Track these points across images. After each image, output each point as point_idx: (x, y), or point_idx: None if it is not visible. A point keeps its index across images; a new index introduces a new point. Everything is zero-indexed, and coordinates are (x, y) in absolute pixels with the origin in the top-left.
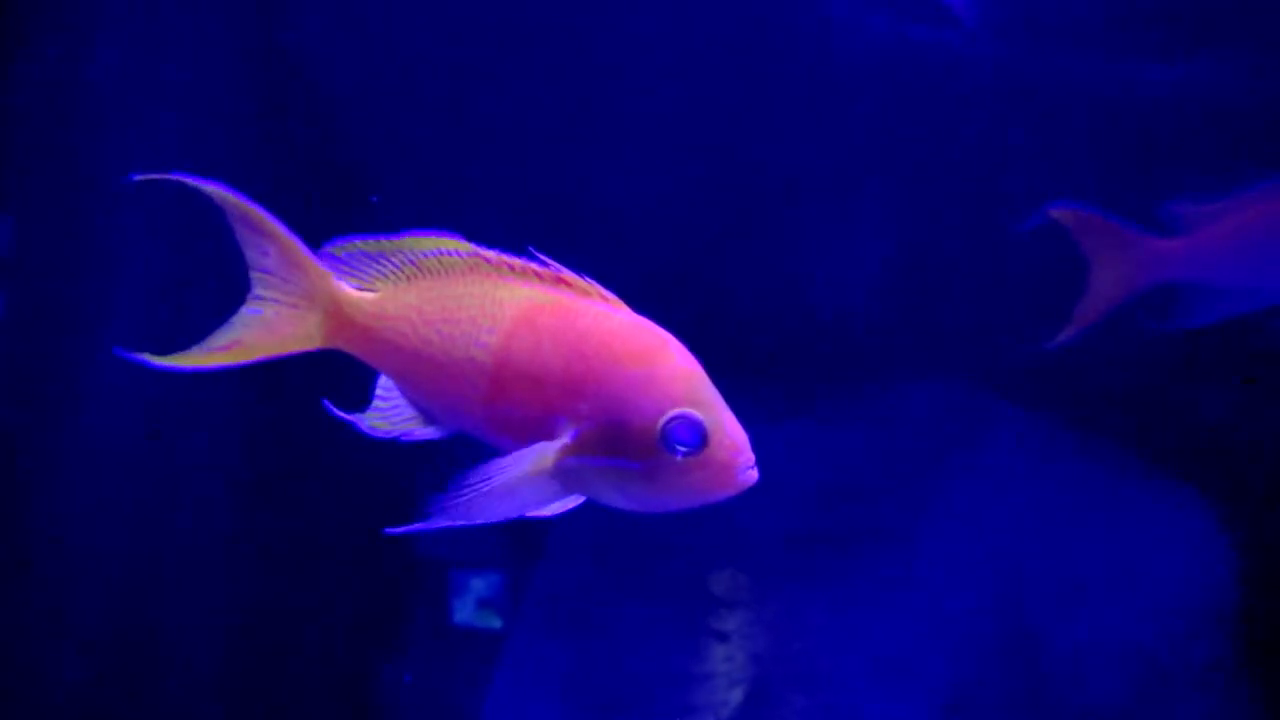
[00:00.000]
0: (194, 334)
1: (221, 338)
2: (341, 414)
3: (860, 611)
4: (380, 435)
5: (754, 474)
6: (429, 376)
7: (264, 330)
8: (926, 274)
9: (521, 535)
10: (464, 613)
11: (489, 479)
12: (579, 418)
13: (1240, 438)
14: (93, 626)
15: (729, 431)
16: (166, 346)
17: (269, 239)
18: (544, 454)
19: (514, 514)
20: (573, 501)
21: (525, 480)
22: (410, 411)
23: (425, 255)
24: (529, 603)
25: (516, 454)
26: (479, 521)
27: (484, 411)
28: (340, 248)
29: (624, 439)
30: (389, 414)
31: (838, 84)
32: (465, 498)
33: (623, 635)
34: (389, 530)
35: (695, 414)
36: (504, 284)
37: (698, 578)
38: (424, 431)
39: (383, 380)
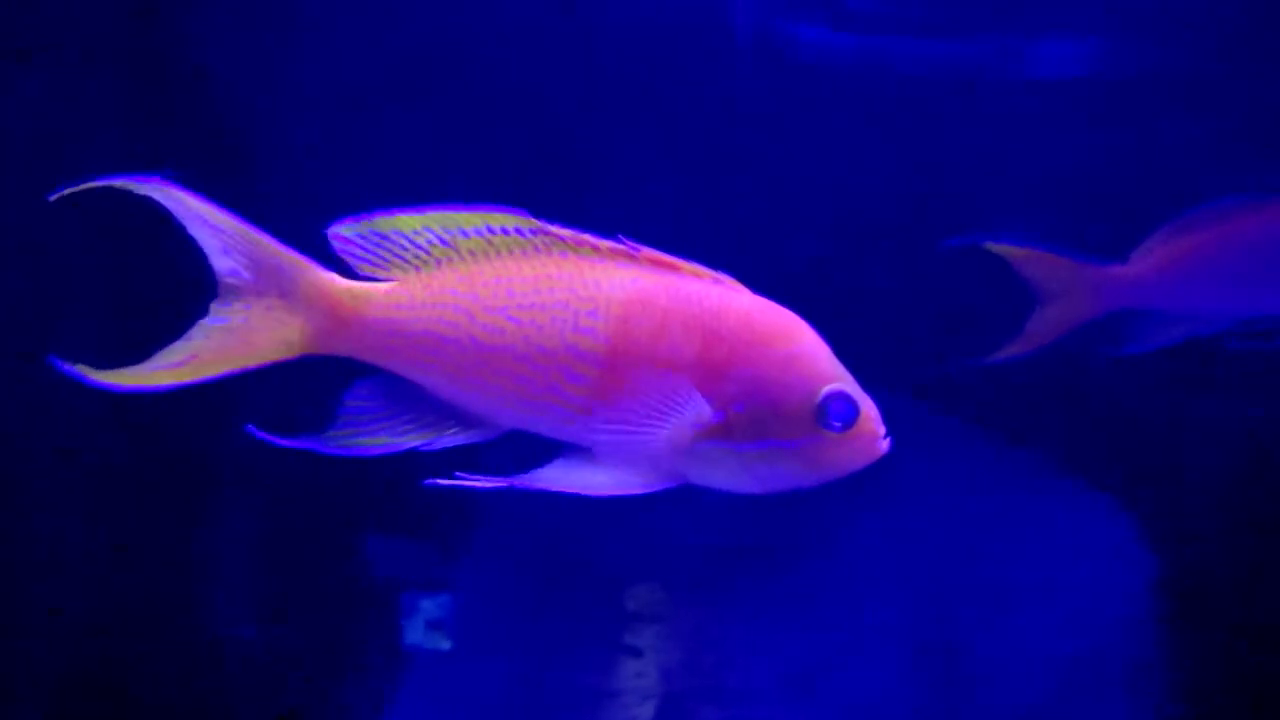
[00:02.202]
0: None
1: (178, 351)
2: (290, 442)
3: (775, 624)
4: (375, 451)
5: (888, 442)
6: (495, 371)
7: (233, 339)
8: (845, 283)
9: (472, 556)
10: (414, 634)
11: (644, 428)
12: (722, 402)
13: (1158, 447)
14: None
15: (868, 403)
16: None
17: (230, 236)
18: (699, 417)
19: (609, 491)
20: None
21: (665, 450)
22: (420, 417)
23: (466, 234)
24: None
25: (669, 410)
26: (571, 490)
27: (588, 404)
28: (349, 227)
29: (777, 419)
30: (388, 426)
31: (743, 96)
32: (608, 441)
33: (533, 653)
34: (428, 482)
35: (847, 389)
36: (594, 265)
37: (614, 592)
38: (460, 437)
39: (366, 387)
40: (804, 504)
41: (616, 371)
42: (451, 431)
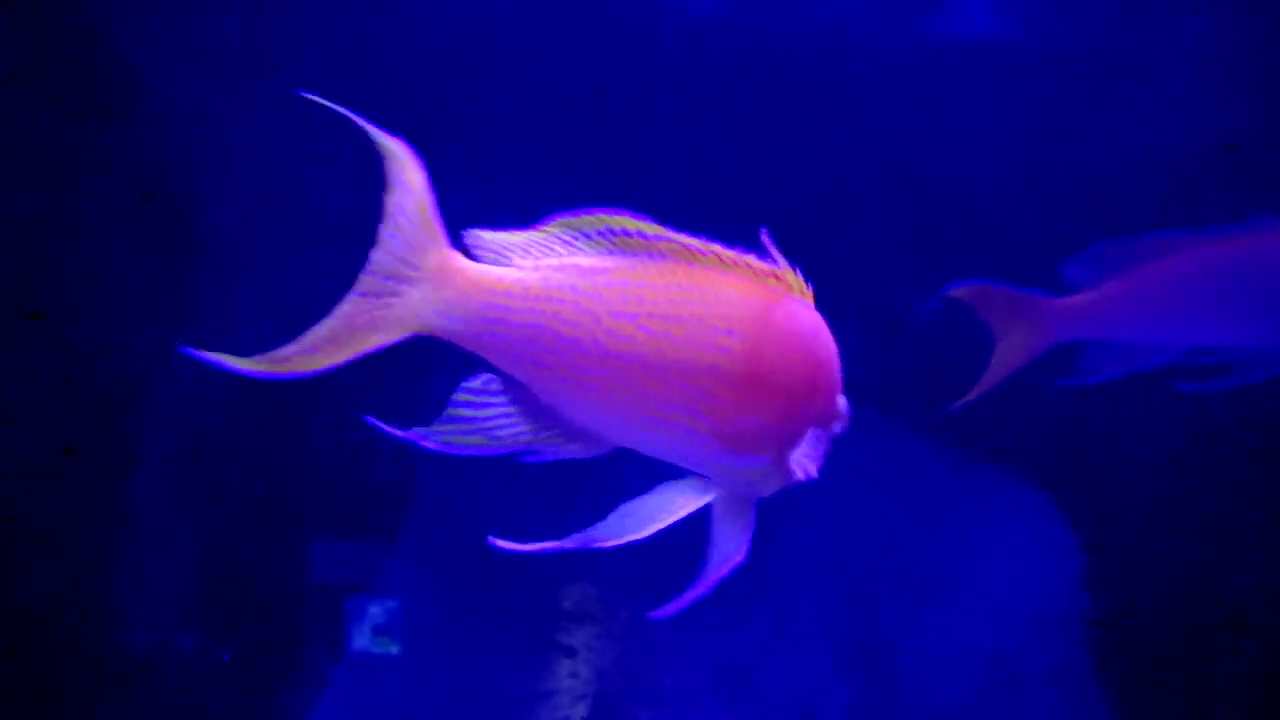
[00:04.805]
0: None
1: (324, 328)
2: (393, 430)
3: (708, 624)
4: (471, 451)
5: None
6: (619, 380)
7: (364, 311)
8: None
9: (412, 558)
10: (361, 639)
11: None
12: (826, 425)
13: (1088, 448)
14: None
15: None
16: None
17: (404, 191)
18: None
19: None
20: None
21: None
22: (524, 423)
23: (589, 236)
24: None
25: (809, 453)
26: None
27: (717, 426)
28: (477, 238)
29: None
30: (489, 428)
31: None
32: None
33: (469, 654)
34: (491, 541)
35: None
36: (723, 278)
37: (549, 592)
38: (562, 450)
39: (476, 382)
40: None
41: (748, 394)
42: (554, 443)
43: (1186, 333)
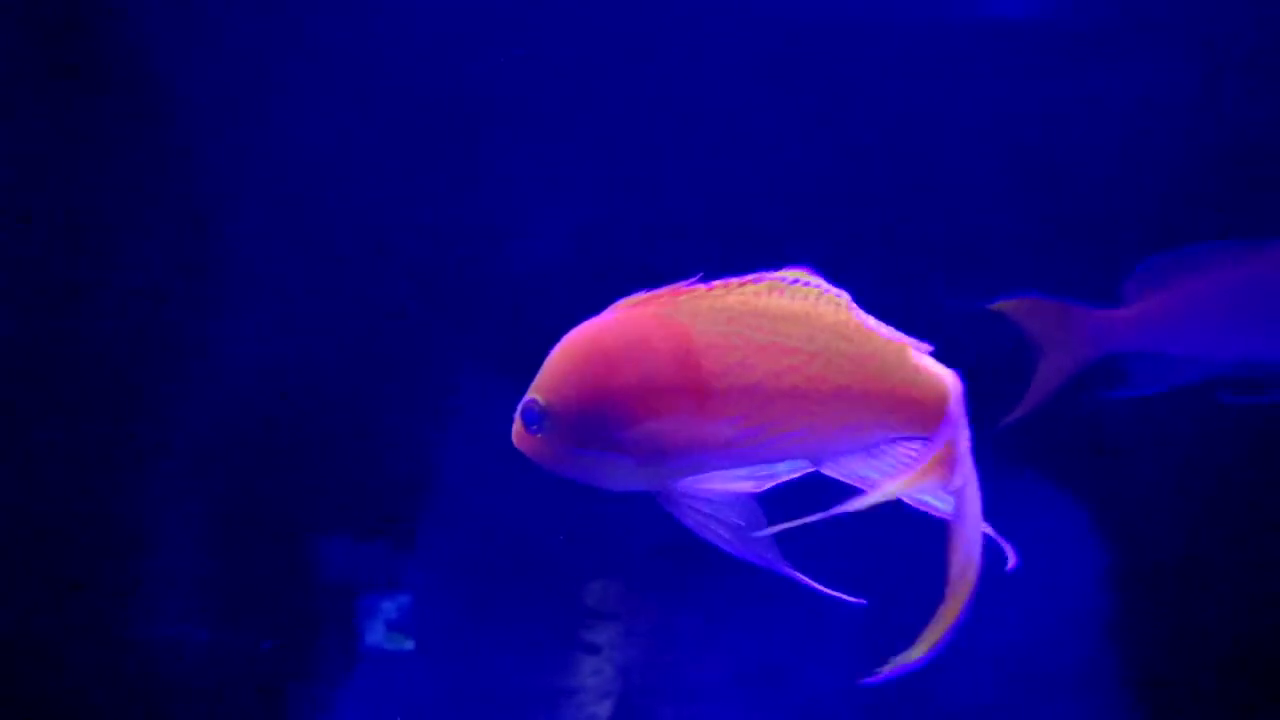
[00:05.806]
0: None
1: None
2: None
3: (732, 621)
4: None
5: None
6: None
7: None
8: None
9: (431, 555)
10: (374, 636)
11: None
12: None
13: (1112, 439)
14: None
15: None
16: None
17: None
18: None
19: None
20: None
21: None
22: None
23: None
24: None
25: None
26: None
27: None
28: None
29: None
30: None
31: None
32: None
33: (492, 651)
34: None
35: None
36: None
37: (571, 589)
38: None
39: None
40: (762, 502)
41: None
42: None
43: (1236, 346)
